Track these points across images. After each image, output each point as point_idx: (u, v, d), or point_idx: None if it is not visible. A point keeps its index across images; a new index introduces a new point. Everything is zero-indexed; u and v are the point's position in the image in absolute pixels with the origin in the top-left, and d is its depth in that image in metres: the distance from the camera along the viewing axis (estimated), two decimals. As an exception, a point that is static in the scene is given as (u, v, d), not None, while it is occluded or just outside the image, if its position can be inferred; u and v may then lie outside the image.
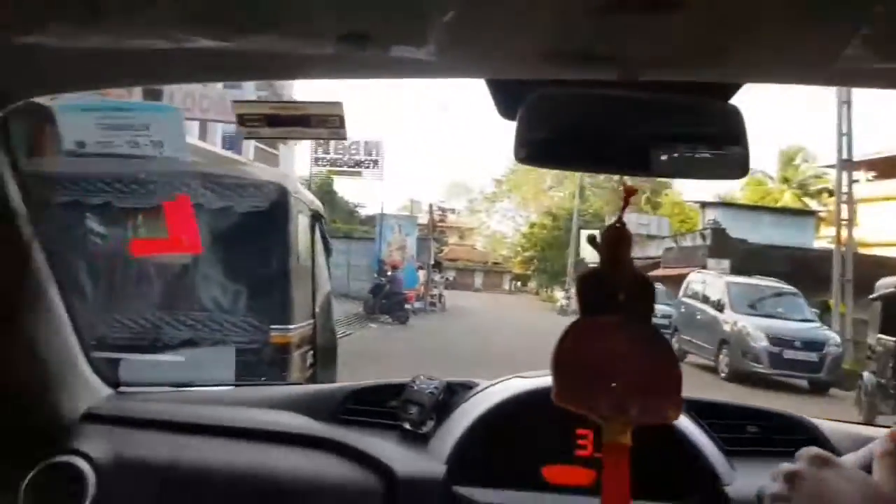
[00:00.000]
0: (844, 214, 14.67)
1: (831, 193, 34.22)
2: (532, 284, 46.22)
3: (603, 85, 0.87)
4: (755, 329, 12.27)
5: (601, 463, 0.98)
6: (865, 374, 8.78)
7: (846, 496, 0.71)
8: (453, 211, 47.09)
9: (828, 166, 34.45)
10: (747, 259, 20.25)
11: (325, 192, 31.39)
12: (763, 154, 33.24)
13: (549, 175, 45.42)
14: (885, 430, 1.09)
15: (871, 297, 9.06)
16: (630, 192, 0.98)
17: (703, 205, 27.43)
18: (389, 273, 19.36)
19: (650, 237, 29.08)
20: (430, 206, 32.41)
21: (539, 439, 1.36)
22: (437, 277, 26.66)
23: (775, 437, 1.48)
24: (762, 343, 12.11)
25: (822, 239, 28.09)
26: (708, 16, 0.72)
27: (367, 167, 23.22)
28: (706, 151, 0.91)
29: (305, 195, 5.50)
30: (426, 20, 0.72)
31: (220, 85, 12.40)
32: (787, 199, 32.03)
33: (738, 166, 0.91)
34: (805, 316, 13.13)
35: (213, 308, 4.49)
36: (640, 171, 0.94)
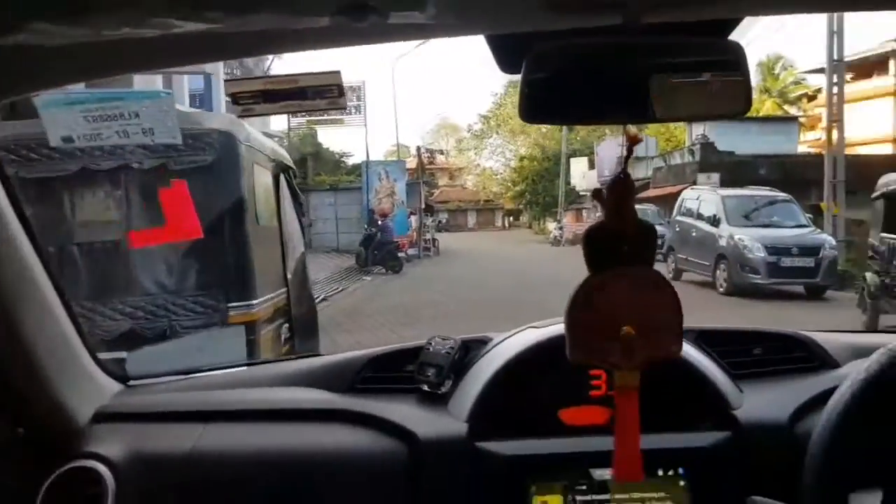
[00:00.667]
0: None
1: (811, 98, 34.24)
2: (525, 218, 45.76)
3: (604, 31, 0.85)
4: (752, 240, 11.82)
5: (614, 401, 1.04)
6: (868, 275, 8.34)
7: None
8: (442, 152, 46.11)
9: (807, 72, 34.34)
10: (736, 171, 19.85)
11: (309, 144, 30.64)
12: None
13: (533, 107, 44.43)
14: (883, 337, 1.26)
15: (872, 195, 8.53)
16: (634, 141, 0.95)
17: (690, 120, 26.76)
18: (379, 222, 18.83)
19: (638, 159, 28.40)
20: (418, 148, 31.55)
21: (554, 385, 1.36)
22: (428, 221, 26.13)
23: (778, 356, 1.50)
24: (760, 254, 11.69)
25: (805, 144, 27.80)
26: None
27: (350, 113, 22.33)
28: (708, 89, 0.89)
29: (263, 144, 4.79)
30: None
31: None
32: (768, 107, 31.48)
33: (741, 100, 0.89)
34: (800, 221, 12.67)
35: (156, 291, 3.88)
36: (646, 117, 0.89)
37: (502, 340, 1.49)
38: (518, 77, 0.85)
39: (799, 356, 1.49)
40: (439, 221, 46.22)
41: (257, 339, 4.01)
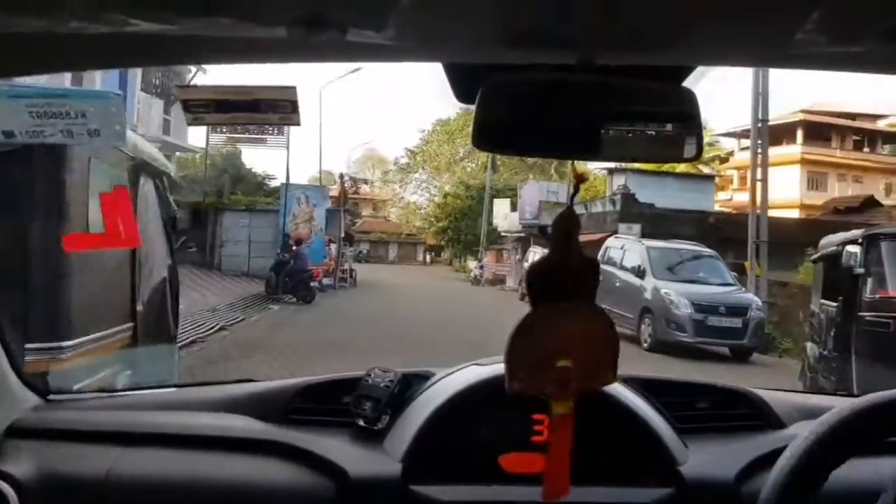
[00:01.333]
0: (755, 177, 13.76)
1: (723, 160, 35.76)
2: (446, 255, 44.98)
3: (561, 69, 0.85)
4: (678, 296, 11.21)
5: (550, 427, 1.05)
6: (808, 346, 7.70)
7: None
8: (366, 181, 44.77)
9: (720, 134, 35.72)
10: (656, 223, 19.68)
11: (231, 164, 28.82)
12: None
13: (462, 146, 44.22)
14: (831, 399, 1.37)
15: (812, 257, 7.95)
16: (580, 178, 0.97)
17: (611, 171, 26.82)
18: (294, 248, 17.32)
19: (557, 204, 28.23)
20: (341, 175, 30.14)
21: (495, 428, 1.31)
22: (348, 251, 24.70)
23: (724, 412, 1.46)
24: (686, 310, 11.07)
25: (717, 203, 28.49)
26: (666, 5, 0.71)
27: (272, 134, 20.75)
28: (660, 134, 0.89)
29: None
30: (384, 2, 0.68)
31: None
32: (682, 167, 32.26)
33: (692, 147, 0.89)
34: (725, 279, 12.21)
35: None
36: (597, 155, 0.91)
37: (445, 376, 1.42)
38: (468, 107, 0.89)
39: (745, 413, 1.45)
40: (359, 252, 44.81)
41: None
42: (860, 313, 6.42)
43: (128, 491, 1.20)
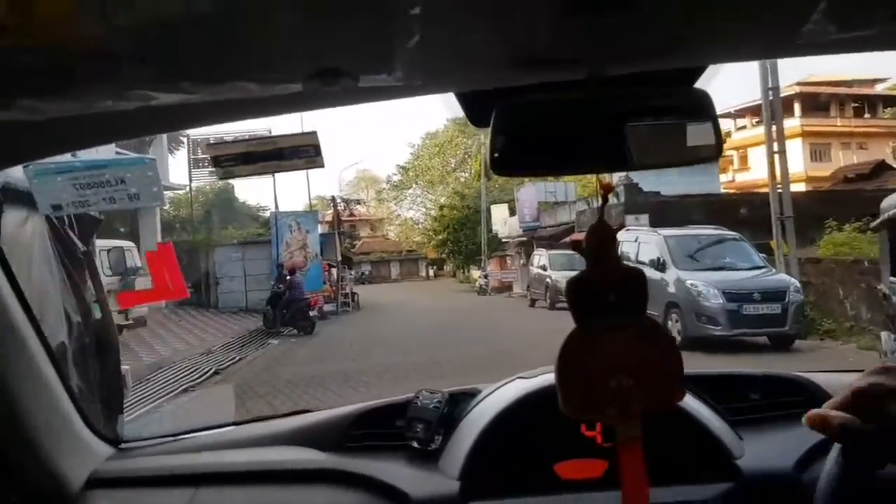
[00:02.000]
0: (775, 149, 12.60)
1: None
2: (449, 267, 43.82)
3: (571, 85, 0.83)
4: (706, 286, 10.04)
5: (610, 451, 1.08)
6: (884, 336, 6.46)
7: None
8: (359, 202, 43.61)
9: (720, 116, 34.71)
10: (664, 212, 18.58)
11: (223, 199, 27.83)
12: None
13: (453, 157, 43.24)
14: None
15: (872, 224, 6.71)
16: (607, 189, 0.94)
17: (666, 167, 25.67)
18: (288, 278, 16.20)
19: (557, 204, 27.16)
20: (333, 198, 29.05)
21: (547, 438, 1.29)
22: (347, 274, 23.56)
23: (778, 400, 1.42)
24: (717, 301, 9.89)
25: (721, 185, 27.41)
26: (667, 8, 0.70)
27: (253, 164, 19.71)
28: (678, 137, 0.87)
29: None
30: (393, 48, 0.69)
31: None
32: None
33: (712, 148, 0.87)
34: (755, 262, 11.01)
35: None
36: (617, 167, 0.91)
37: (491, 392, 1.42)
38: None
39: (799, 400, 1.38)
40: (362, 273, 43.73)
41: None
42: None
43: None
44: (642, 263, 11.52)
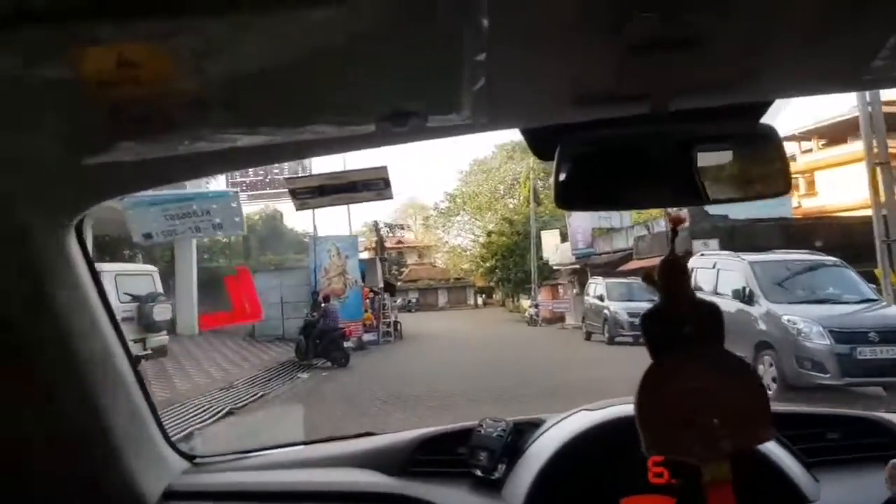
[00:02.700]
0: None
1: None
2: (498, 295, 42.00)
3: (636, 120, 0.82)
4: (808, 323, 8.06)
5: (678, 489, 1.08)
6: None
7: None
8: (403, 227, 42.31)
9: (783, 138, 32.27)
10: (733, 237, 16.61)
11: (271, 226, 27.07)
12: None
13: (501, 183, 41.75)
14: None
15: None
16: (677, 222, 0.95)
17: (734, 202, 23.59)
18: (322, 305, 14.83)
19: (613, 230, 25.22)
20: (375, 223, 27.75)
21: (613, 472, 1.24)
22: (390, 302, 22.12)
23: (856, 441, 1.36)
24: (823, 342, 7.89)
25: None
26: (732, 44, 0.69)
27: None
28: (745, 172, 0.85)
29: None
30: (461, 91, 0.70)
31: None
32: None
33: (780, 182, 0.86)
34: (864, 294, 8.89)
35: None
36: (684, 201, 0.89)
37: (556, 423, 1.38)
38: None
39: (878, 442, 1.34)
40: (409, 301, 42.38)
41: None
42: None
43: None
44: (722, 295, 9.63)
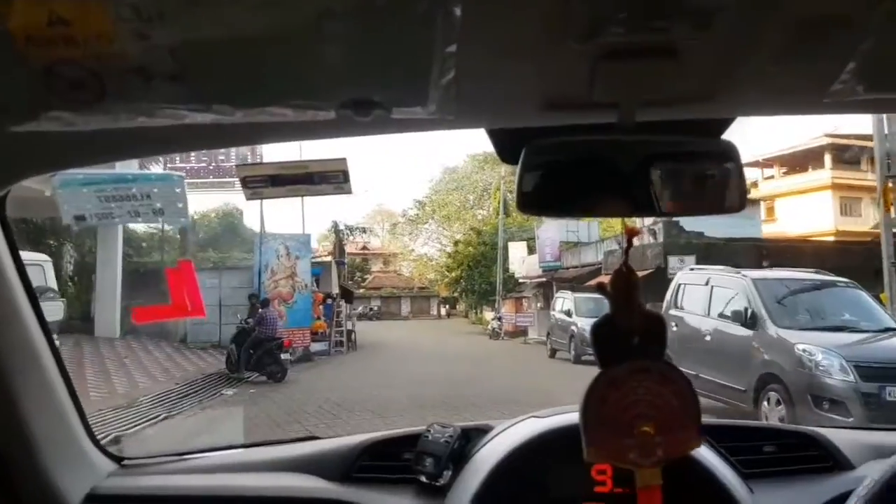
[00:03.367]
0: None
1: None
2: (462, 306, 40.20)
3: (601, 128, 0.81)
4: (826, 354, 6.42)
5: (621, 498, 1.06)
6: None
7: None
8: (365, 230, 40.07)
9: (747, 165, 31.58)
10: (709, 255, 15.16)
11: (228, 222, 24.82)
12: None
13: (471, 193, 40.14)
14: None
15: None
16: (632, 233, 0.93)
17: (689, 215, 22.27)
18: (260, 311, 12.80)
19: (581, 243, 23.72)
20: (335, 223, 25.52)
21: (558, 480, 1.21)
22: (345, 309, 20.12)
23: (791, 455, 1.34)
24: (844, 378, 6.25)
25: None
26: (702, 59, 0.70)
27: (234, 175, 16.46)
28: (702, 187, 0.86)
29: None
30: (428, 83, 0.67)
31: None
32: None
33: (736, 199, 0.85)
34: (884, 322, 7.27)
35: None
36: (643, 212, 0.87)
37: (504, 430, 1.32)
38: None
39: (812, 455, 1.33)
40: (370, 309, 40.30)
41: None
42: None
43: None
44: (721, 316, 7.95)
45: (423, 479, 1.24)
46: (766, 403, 6.79)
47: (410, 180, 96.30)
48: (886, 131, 9.57)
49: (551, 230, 24.47)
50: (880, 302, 8.65)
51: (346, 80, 0.67)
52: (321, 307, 18.18)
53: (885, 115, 9.36)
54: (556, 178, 0.83)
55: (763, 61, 0.69)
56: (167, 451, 1.41)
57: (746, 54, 0.68)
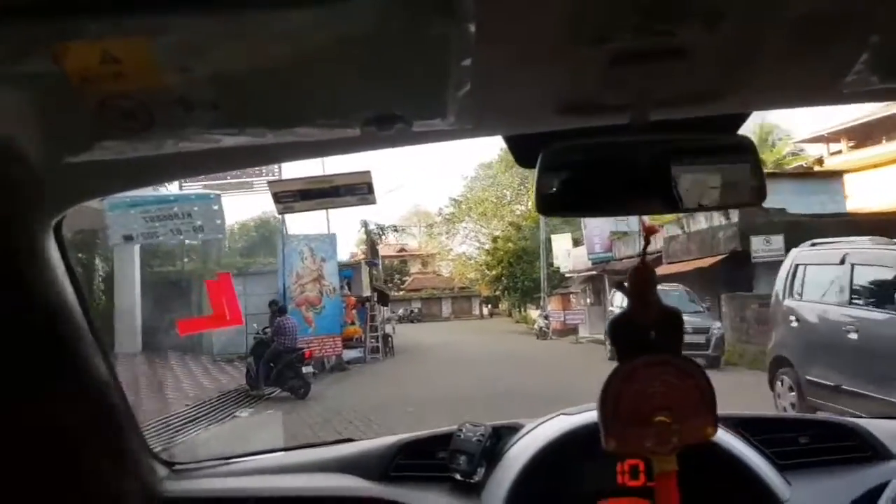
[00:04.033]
0: None
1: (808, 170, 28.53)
2: (504, 305, 38.03)
3: (616, 129, 0.82)
4: None
5: (650, 491, 0.98)
6: None
7: None
8: (397, 229, 38.21)
9: (803, 141, 28.55)
10: (796, 234, 12.74)
11: (267, 228, 23.39)
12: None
13: (508, 189, 37.97)
14: None
15: None
16: (650, 231, 0.96)
17: (708, 210, 19.70)
18: (277, 319, 11.00)
19: (627, 234, 21.33)
20: (364, 222, 23.62)
21: (591, 475, 1.22)
22: (380, 313, 18.27)
23: (826, 445, 1.31)
24: None
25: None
26: (713, 57, 0.69)
27: (259, 175, 14.73)
28: (720, 181, 0.86)
29: None
30: (446, 96, 0.68)
31: None
32: (795, 163, 25.22)
33: (755, 193, 0.86)
34: None
35: None
36: (661, 209, 0.88)
37: (534, 427, 1.34)
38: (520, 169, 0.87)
39: (849, 445, 1.30)
40: (411, 311, 38.58)
41: None
42: None
43: None
44: (862, 299, 5.69)
45: (458, 476, 1.26)
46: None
47: (445, 178, 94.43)
48: None
49: (599, 220, 22.14)
50: None
51: (369, 99, 0.69)
52: (354, 311, 16.42)
53: None
54: (574, 179, 0.84)
55: (774, 57, 0.69)
56: (214, 456, 1.43)
57: (757, 51, 0.67)
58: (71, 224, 1.12)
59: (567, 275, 25.24)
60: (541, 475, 1.20)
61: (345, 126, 0.72)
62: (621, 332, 0.89)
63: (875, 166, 24.69)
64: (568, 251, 24.85)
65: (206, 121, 0.67)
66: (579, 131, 0.82)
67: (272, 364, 10.39)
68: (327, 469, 1.37)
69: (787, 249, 10.19)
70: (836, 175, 19.40)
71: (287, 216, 12.81)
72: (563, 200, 0.86)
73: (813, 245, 6.85)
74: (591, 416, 1.13)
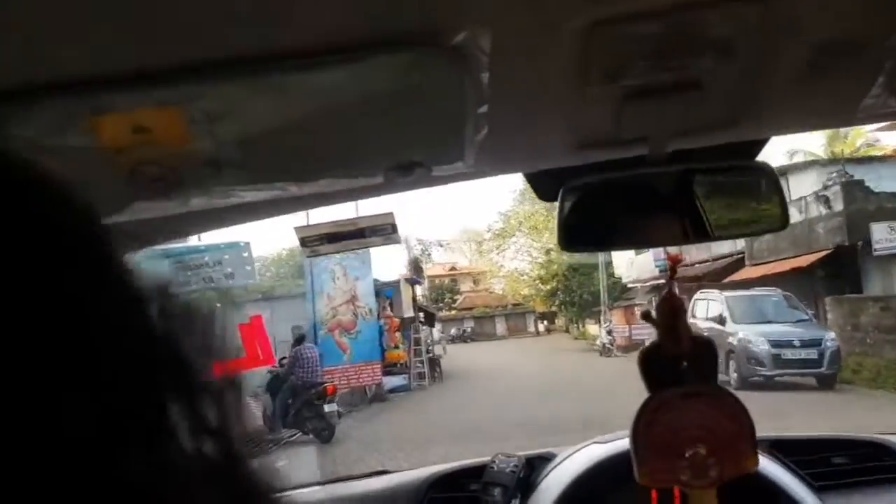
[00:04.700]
0: None
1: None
2: (561, 321, 35.46)
3: (636, 161, 0.81)
4: None
5: None
6: None
7: None
8: (442, 244, 36.21)
9: (877, 130, 25.22)
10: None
11: (298, 258, 22.08)
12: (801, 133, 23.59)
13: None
14: None
15: None
16: (675, 261, 0.93)
17: (732, 238, 17.08)
18: (294, 349, 9.21)
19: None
20: (406, 238, 21.77)
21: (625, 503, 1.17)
22: (426, 334, 16.35)
23: (862, 465, 1.26)
24: None
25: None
26: (727, 87, 0.68)
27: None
28: (745, 211, 0.84)
29: None
30: (464, 141, 0.69)
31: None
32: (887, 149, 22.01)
33: (777, 218, 0.85)
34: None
35: None
36: (684, 240, 0.87)
37: (567, 457, 1.30)
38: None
39: (886, 465, 1.25)
40: (464, 330, 36.51)
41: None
42: None
43: None
44: None
45: None
46: None
47: (492, 194, 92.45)
48: None
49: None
50: None
51: (390, 149, 0.71)
52: (398, 334, 14.58)
53: None
54: (596, 213, 0.83)
55: (789, 84, 0.69)
56: None
57: (771, 79, 0.68)
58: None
59: (629, 285, 22.74)
60: None
61: (368, 175, 0.74)
62: (652, 364, 0.87)
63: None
64: (631, 260, 22.35)
65: (233, 178, 0.70)
66: (599, 165, 0.81)
67: (290, 402, 8.61)
68: (364, 502, 1.36)
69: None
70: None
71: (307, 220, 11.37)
72: (586, 235, 0.86)
73: None
74: (623, 444, 1.07)
